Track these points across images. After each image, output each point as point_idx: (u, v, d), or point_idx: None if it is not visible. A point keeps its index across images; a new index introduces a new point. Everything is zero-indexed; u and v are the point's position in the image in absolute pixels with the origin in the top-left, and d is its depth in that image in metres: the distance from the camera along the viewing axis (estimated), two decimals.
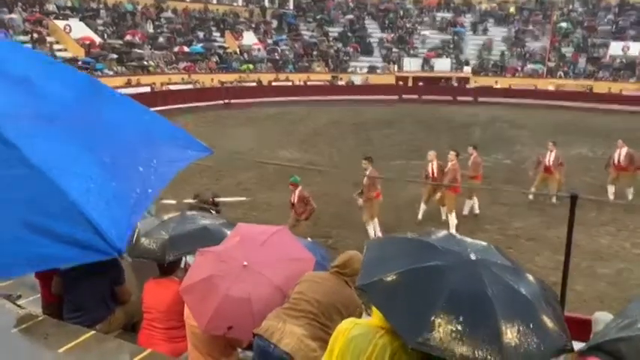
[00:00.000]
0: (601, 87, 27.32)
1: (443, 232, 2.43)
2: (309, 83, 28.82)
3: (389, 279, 2.17)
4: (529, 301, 1.99)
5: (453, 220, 9.30)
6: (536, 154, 11.97)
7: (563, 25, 32.03)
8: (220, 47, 29.34)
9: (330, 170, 13.38)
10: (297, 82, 28.70)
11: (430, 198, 9.83)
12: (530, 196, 11.10)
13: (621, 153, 11.20)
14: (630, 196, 10.91)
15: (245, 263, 2.93)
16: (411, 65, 31.01)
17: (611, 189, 11.28)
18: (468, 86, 29.50)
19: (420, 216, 9.79)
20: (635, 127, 19.66)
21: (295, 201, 8.15)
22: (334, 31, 33.40)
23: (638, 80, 27.38)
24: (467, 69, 30.72)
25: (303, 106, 24.83)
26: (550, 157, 10.92)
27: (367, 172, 8.59)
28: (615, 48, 29.15)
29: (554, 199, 10.74)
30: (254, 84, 27.70)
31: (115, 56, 24.39)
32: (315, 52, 31.48)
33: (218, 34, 30.41)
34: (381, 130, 19.36)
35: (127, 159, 2.83)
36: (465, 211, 10.10)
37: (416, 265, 2.19)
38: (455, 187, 9.12)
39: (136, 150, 2.93)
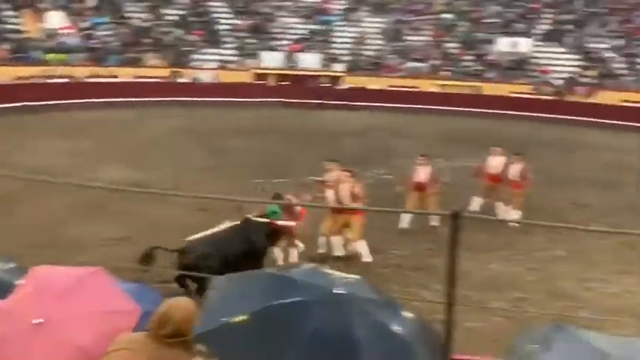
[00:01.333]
0: (490, 88, 30.11)
1: (307, 266, 2.50)
2: (140, 80, 28.10)
3: (237, 320, 2.18)
4: (404, 341, 2.12)
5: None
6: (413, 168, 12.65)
7: (447, 16, 34.92)
8: (14, 31, 27.59)
9: (170, 194, 13.09)
10: (124, 79, 27.84)
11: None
12: (405, 224, 11.48)
13: (499, 162, 12.39)
14: (515, 216, 11.87)
15: (39, 321, 2.76)
16: (272, 60, 31.63)
17: (477, 201, 12.44)
18: (340, 87, 30.79)
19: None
20: (526, 134, 21.95)
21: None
22: (172, 14, 33.05)
23: (529, 81, 30.64)
24: (339, 66, 32.07)
25: (133, 110, 24.13)
26: (421, 173, 11.88)
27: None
28: (503, 44, 32.38)
29: (433, 222, 11.44)
30: (65, 80, 26.41)
31: None
32: (147, 41, 30.82)
33: (11, 12, 28.57)
34: (235, 140, 19.42)
35: None
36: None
37: (273, 302, 2.22)
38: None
39: None
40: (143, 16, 32.32)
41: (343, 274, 2.48)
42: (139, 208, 11.43)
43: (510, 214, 11.93)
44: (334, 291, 2.30)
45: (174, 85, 28.72)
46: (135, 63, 29.43)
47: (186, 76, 29.73)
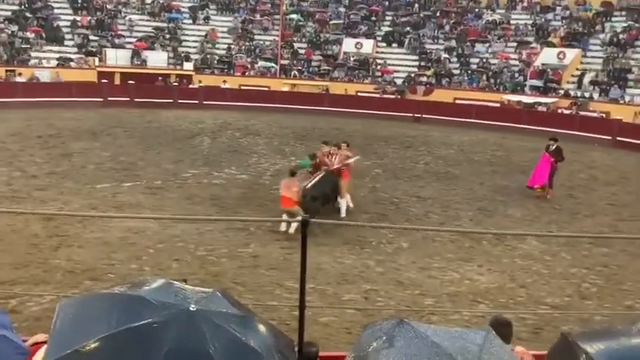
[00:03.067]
0: (337, 88, 31.07)
1: (159, 282, 2.45)
2: None
3: (88, 348, 2.09)
4: (258, 354, 2.15)
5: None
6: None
7: (294, 16, 35.49)
8: None
9: (10, 203, 12.24)
10: None
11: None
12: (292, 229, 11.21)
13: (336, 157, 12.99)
14: (344, 207, 12.64)
15: None
16: (118, 58, 30.47)
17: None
18: (191, 86, 30.31)
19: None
20: (371, 131, 22.92)
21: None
22: (6, 9, 30.74)
23: (373, 81, 31.98)
24: (188, 65, 31.59)
25: None
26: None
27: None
28: (348, 44, 33.53)
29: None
30: None
31: None
32: None
33: None
34: (80, 142, 18.48)
35: None
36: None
37: (124, 326, 2.16)
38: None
39: None
40: None
41: (197, 289, 2.46)
42: None
43: (347, 203, 12.91)
44: (188, 308, 2.27)
45: (10, 85, 26.74)
46: None
47: (24, 75, 27.81)
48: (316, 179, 12.41)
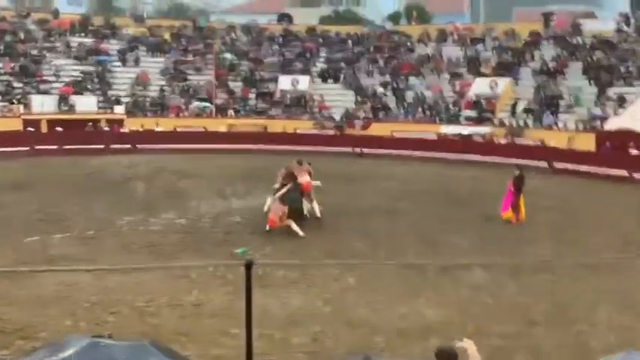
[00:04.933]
0: (276, 125, 31.16)
1: (82, 342, 2.32)
2: None
3: None
4: None
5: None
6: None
7: (228, 56, 35.60)
8: None
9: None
10: None
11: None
12: None
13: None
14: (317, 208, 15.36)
15: None
16: (44, 105, 29.79)
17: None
18: (122, 130, 29.83)
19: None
20: (313, 167, 22.96)
21: None
22: None
23: (311, 117, 32.23)
24: (119, 108, 31.17)
25: None
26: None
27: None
28: (284, 82, 33.80)
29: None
30: None
31: None
32: None
33: None
34: (5, 194, 17.81)
35: None
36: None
37: None
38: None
39: None
40: None
41: (126, 343, 2.33)
42: None
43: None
44: None
45: None
46: None
47: None
48: (285, 190, 14.37)
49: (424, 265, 11.85)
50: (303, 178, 15.18)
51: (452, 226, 15.10)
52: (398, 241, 13.79)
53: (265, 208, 15.39)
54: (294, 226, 13.98)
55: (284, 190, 14.42)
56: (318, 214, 15.36)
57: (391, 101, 32.62)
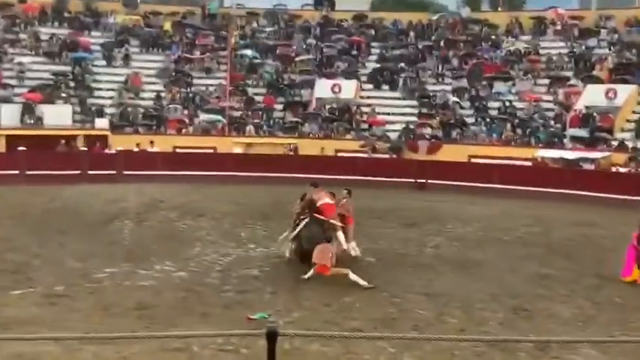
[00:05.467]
0: (310, 147, 31.26)
1: None
2: None
3: None
4: None
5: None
6: None
7: (247, 52, 36.04)
8: None
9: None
10: None
11: None
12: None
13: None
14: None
15: None
16: (2, 117, 30.45)
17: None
18: (106, 151, 30.27)
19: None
20: (359, 204, 23.03)
21: None
22: None
23: (358, 135, 32.27)
24: (101, 122, 31.62)
25: None
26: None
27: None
28: (323, 88, 34.00)
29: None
30: None
31: None
32: None
33: None
34: None
35: None
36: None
37: None
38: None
39: None
40: None
41: None
42: None
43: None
44: None
45: None
46: None
47: None
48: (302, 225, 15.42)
49: (514, 343, 11.68)
50: (323, 202, 15.82)
51: (551, 289, 14.90)
52: (475, 307, 13.66)
53: (287, 252, 16.01)
54: (353, 276, 14.31)
55: (301, 225, 15.06)
56: (353, 252, 16.15)
57: (469, 115, 32.54)
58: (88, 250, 17.25)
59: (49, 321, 12.45)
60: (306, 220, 15.29)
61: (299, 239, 15.44)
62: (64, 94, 32.58)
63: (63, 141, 29.93)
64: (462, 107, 32.89)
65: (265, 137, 32.59)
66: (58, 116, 31.22)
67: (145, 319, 12.67)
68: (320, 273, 14.45)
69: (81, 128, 31.49)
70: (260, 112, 33.72)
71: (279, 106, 34.08)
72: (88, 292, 14.11)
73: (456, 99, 33.09)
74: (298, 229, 15.25)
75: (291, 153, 31.30)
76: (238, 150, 31.25)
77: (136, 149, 29.95)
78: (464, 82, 33.78)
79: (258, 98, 34.34)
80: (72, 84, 33.23)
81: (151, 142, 30.48)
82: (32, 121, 30.85)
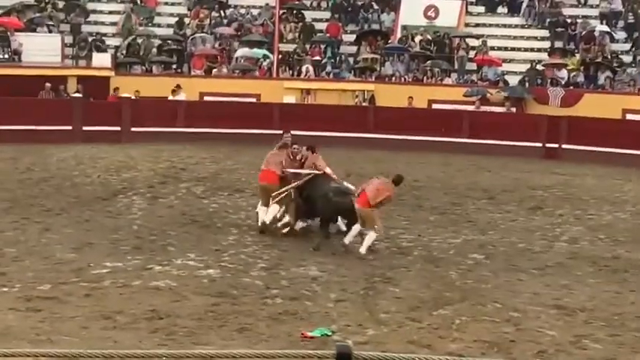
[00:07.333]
0: (392, 95, 31.20)
1: None
2: None
3: None
4: None
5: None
6: None
7: None
8: None
9: None
10: None
11: None
12: None
13: None
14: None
15: None
16: None
17: None
18: (110, 98, 30.26)
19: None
20: (460, 178, 22.87)
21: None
22: None
23: (462, 80, 32.18)
24: (102, 58, 31.62)
25: None
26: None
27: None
28: (409, 13, 33.75)
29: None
30: None
31: None
32: None
33: None
34: None
35: None
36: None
37: None
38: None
39: None
40: None
41: None
42: None
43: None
44: None
45: None
46: None
47: None
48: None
49: None
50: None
51: None
52: (628, 328, 13.64)
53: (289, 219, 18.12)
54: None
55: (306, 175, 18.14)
56: (364, 250, 17.16)
57: (624, 51, 32.19)
58: (83, 236, 17.54)
59: (31, 331, 12.75)
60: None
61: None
62: (50, 20, 32.69)
63: (48, 84, 30.05)
64: (613, 40, 32.48)
65: (329, 81, 32.55)
66: (41, 50, 31.42)
67: (161, 334, 12.92)
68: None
69: (73, 67, 31.67)
70: (322, 46, 33.72)
71: (349, 38, 34.04)
72: (83, 295, 14.35)
73: (605, 28, 32.67)
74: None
75: (366, 104, 31.25)
76: (291, 99, 31.26)
77: (133, 97, 30.21)
78: (617, 4, 33.32)
79: (319, 26, 34.33)
80: (61, 4, 33.33)
81: (176, 88, 30.52)
82: (6, 57, 31.10)
